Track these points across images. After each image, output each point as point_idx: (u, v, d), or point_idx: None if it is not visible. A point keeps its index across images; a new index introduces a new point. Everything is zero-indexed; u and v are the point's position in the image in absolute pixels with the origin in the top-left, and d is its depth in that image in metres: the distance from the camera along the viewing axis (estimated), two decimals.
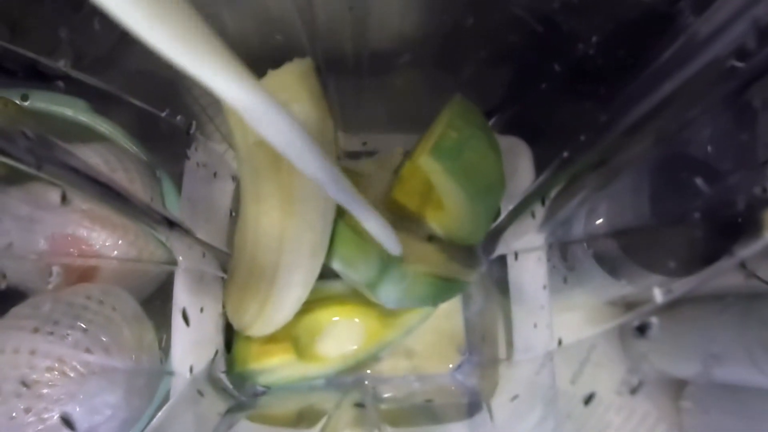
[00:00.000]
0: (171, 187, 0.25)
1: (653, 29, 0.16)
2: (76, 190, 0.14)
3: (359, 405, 0.22)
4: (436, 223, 0.21)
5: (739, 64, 0.12)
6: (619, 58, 0.18)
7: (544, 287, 0.22)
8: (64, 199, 0.20)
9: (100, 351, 0.20)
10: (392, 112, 0.26)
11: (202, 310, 0.22)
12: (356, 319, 0.24)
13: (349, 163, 0.25)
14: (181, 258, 0.21)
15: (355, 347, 0.24)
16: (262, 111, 0.09)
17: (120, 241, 0.23)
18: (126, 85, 0.20)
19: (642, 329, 0.16)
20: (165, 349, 0.22)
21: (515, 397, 0.21)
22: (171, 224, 0.19)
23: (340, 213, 0.20)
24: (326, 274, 0.20)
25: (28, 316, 0.20)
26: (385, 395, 0.25)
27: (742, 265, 0.20)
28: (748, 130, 0.20)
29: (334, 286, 0.24)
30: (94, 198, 0.15)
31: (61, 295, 0.21)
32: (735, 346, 0.22)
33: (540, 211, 0.21)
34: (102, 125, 0.25)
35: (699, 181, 0.20)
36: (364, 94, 0.25)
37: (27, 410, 0.18)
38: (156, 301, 0.24)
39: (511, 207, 0.23)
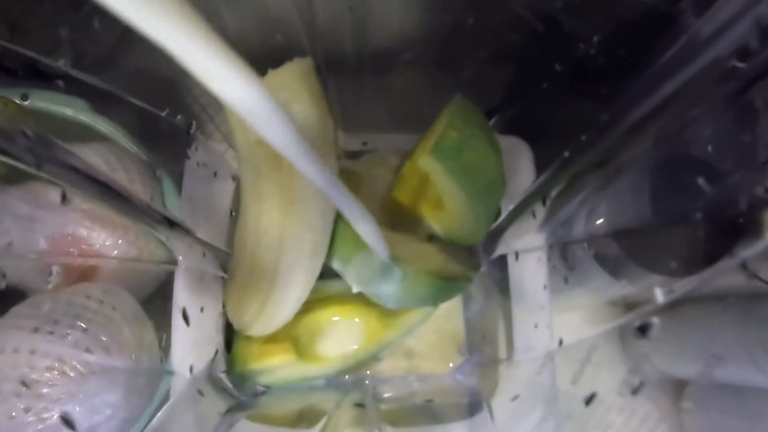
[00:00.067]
0: (171, 186, 0.25)
1: (654, 29, 0.16)
2: (76, 190, 0.14)
3: (359, 405, 0.22)
4: (436, 223, 0.21)
5: (740, 65, 0.12)
6: (620, 58, 0.18)
7: (545, 287, 0.22)
8: (64, 198, 0.20)
9: (100, 350, 0.20)
10: (392, 111, 0.26)
11: (202, 309, 0.22)
12: (356, 319, 0.24)
13: (349, 162, 0.25)
14: (181, 257, 0.21)
15: (356, 347, 0.24)
16: (257, 108, 0.09)
17: (120, 241, 0.23)
18: (126, 85, 0.20)
19: (643, 329, 0.16)
20: (165, 348, 0.22)
21: (516, 397, 0.21)
22: (171, 224, 0.19)
23: (341, 213, 0.20)
24: (326, 273, 0.20)
25: (27, 315, 0.20)
26: (386, 395, 0.25)
27: (743, 266, 0.20)
28: (749, 131, 0.20)
29: (334, 286, 0.24)
30: (94, 197, 0.15)
31: (61, 295, 0.21)
32: (736, 346, 0.22)
33: (541, 210, 0.21)
34: (102, 125, 0.25)
35: (700, 181, 0.20)
36: (364, 94, 0.25)
37: (27, 410, 0.18)
38: (156, 301, 0.24)
39: (511, 207, 0.23)
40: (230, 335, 0.24)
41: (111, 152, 0.24)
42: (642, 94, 0.15)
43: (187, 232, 0.20)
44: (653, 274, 0.22)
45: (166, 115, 0.21)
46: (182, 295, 0.21)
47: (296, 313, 0.21)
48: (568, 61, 0.19)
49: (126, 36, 0.25)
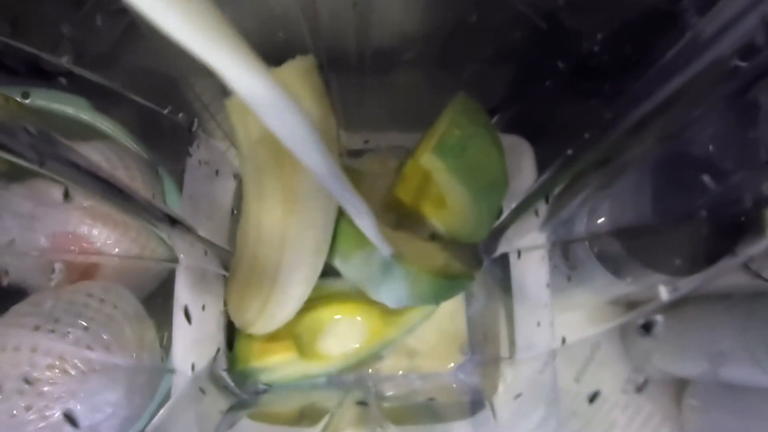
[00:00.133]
0: (172, 185, 0.25)
1: (657, 27, 0.16)
2: (78, 187, 0.14)
3: (362, 403, 0.22)
4: (438, 221, 0.21)
5: (742, 64, 0.12)
6: (623, 56, 0.18)
7: (547, 285, 0.22)
8: (66, 195, 0.19)
9: (101, 349, 0.20)
10: (394, 110, 0.26)
11: (204, 307, 0.22)
12: (358, 318, 0.24)
13: (351, 161, 0.25)
14: (182, 256, 0.21)
15: (357, 345, 0.23)
16: (268, 100, 0.09)
17: (121, 239, 0.23)
18: (127, 83, 0.20)
19: (647, 327, 0.16)
20: (166, 347, 0.22)
21: (518, 396, 0.21)
22: (173, 221, 0.19)
23: (343, 211, 0.20)
24: (328, 272, 0.20)
25: (29, 313, 0.20)
26: (388, 393, 0.25)
27: (746, 265, 0.20)
28: (752, 130, 0.20)
29: (336, 284, 0.24)
30: (96, 195, 0.15)
31: (62, 293, 0.21)
32: (738, 345, 0.22)
33: (544, 209, 0.21)
34: (103, 123, 0.25)
35: (702, 180, 0.20)
36: (366, 92, 0.25)
37: (28, 408, 0.18)
38: (158, 299, 0.24)
39: (513, 206, 0.23)
40: (232, 333, 0.24)
41: (112, 150, 0.24)
42: (644, 92, 0.15)
43: (188, 230, 0.20)
44: (655, 273, 0.22)
45: (167, 112, 0.21)
46: (184, 293, 0.21)
47: (298, 312, 0.21)
48: (571, 59, 0.19)
49: (127, 34, 0.25)
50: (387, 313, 0.24)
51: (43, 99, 0.24)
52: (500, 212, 0.23)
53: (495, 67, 0.24)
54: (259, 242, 0.20)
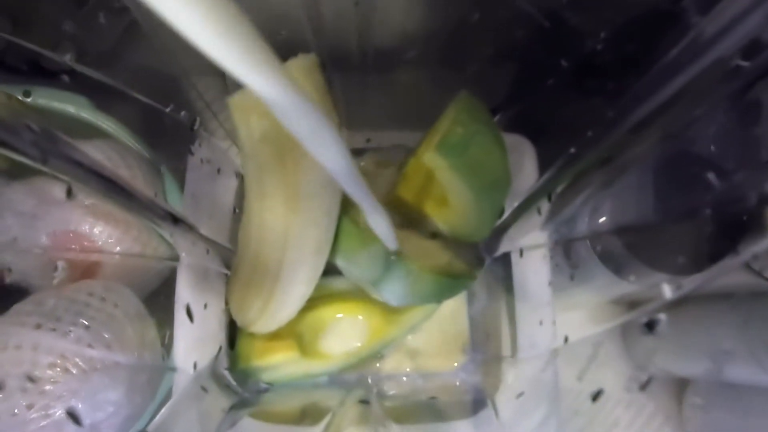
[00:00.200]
0: (173, 183, 0.25)
1: (659, 26, 0.16)
2: (81, 185, 0.14)
3: (364, 402, 0.22)
4: (440, 219, 0.21)
5: (744, 63, 0.12)
6: (625, 55, 0.18)
7: (549, 284, 0.22)
8: (69, 193, 0.19)
9: (103, 348, 0.20)
10: (396, 109, 0.26)
11: (205, 306, 0.22)
12: (360, 317, 0.24)
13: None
14: (184, 254, 0.21)
15: (359, 344, 0.23)
16: (286, 97, 0.09)
17: (123, 237, 0.23)
18: (129, 81, 0.20)
19: (650, 326, 0.16)
20: (168, 346, 0.22)
21: (520, 395, 0.21)
22: (175, 220, 0.19)
23: (345, 210, 0.20)
24: (330, 271, 0.20)
25: (30, 312, 0.20)
26: (389, 392, 0.25)
27: (747, 264, 0.20)
28: (754, 129, 0.20)
29: (337, 283, 0.24)
30: (99, 192, 0.15)
31: (64, 292, 0.21)
32: (739, 344, 0.22)
33: (546, 207, 0.21)
34: (104, 122, 0.25)
35: (704, 179, 0.20)
36: (368, 91, 0.25)
37: (29, 407, 0.18)
38: (159, 298, 0.24)
39: (515, 204, 0.23)
40: (233, 332, 0.24)
41: (113, 149, 0.24)
42: (646, 91, 0.15)
43: (190, 228, 0.20)
44: (656, 272, 0.22)
45: (169, 111, 0.21)
46: (186, 292, 0.21)
47: (300, 310, 0.21)
48: (574, 57, 0.19)
49: (129, 32, 0.25)
50: (388, 311, 0.24)
51: (44, 98, 0.24)
52: (502, 211, 0.23)
53: (497, 66, 0.24)
54: (261, 241, 0.20)
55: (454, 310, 0.26)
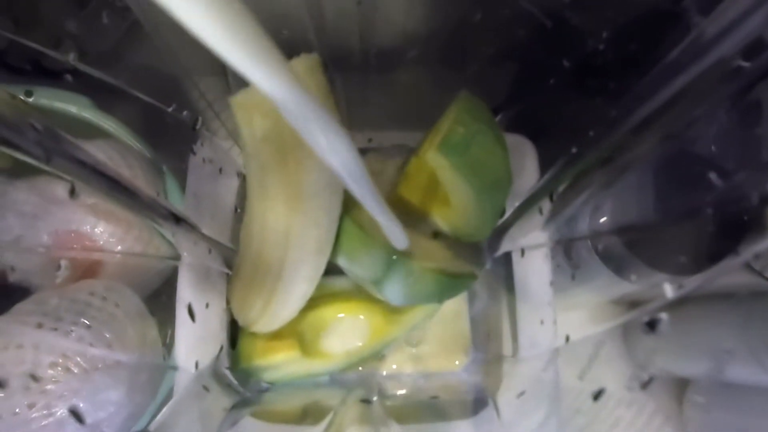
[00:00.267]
0: (175, 183, 0.25)
1: (661, 27, 0.16)
2: (84, 184, 0.14)
3: (365, 401, 0.22)
4: (442, 219, 0.21)
5: (745, 64, 0.12)
6: (627, 55, 0.18)
7: (550, 284, 0.22)
8: (72, 192, 0.19)
9: (104, 347, 0.20)
10: (398, 108, 0.26)
11: (207, 305, 0.22)
12: (361, 316, 0.24)
13: None
14: (185, 254, 0.21)
15: (360, 344, 0.24)
16: (293, 95, 0.09)
17: (125, 237, 0.23)
18: (131, 81, 0.20)
19: (651, 325, 0.16)
20: (169, 345, 0.22)
21: (521, 394, 0.21)
22: (177, 219, 0.19)
23: (346, 209, 0.20)
24: (331, 270, 0.20)
25: (31, 312, 0.20)
26: (391, 392, 0.25)
27: (748, 264, 0.20)
28: (755, 130, 0.20)
29: (339, 283, 0.24)
30: (102, 192, 0.15)
31: (65, 292, 0.21)
32: (740, 345, 0.22)
33: (548, 206, 0.21)
34: (106, 122, 0.25)
35: (705, 179, 0.20)
36: (370, 91, 0.25)
37: (31, 406, 0.18)
38: (161, 297, 0.24)
39: (516, 204, 0.23)
40: (235, 331, 0.24)
41: (114, 149, 0.24)
42: (648, 91, 0.15)
43: (192, 228, 0.20)
44: (657, 272, 0.22)
45: (171, 110, 0.21)
46: (187, 291, 0.21)
47: (301, 310, 0.21)
48: (575, 57, 0.20)
49: (131, 32, 0.25)
50: (390, 311, 0.24)
51: (46, 98, 0.24)
52: (503, 211, 0.23)
53: (498, 66, 0.24)
54: (263, 240, 0.20)
55: (455, 309, 0.26)
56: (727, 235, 0.20)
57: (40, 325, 0.19)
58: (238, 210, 0.24)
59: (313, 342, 0.23)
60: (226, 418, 0.21)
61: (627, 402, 0.26)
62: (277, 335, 0.22)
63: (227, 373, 0.23)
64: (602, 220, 0.23)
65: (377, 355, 0.25)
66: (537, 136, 0.24)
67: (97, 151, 0.23)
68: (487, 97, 0.22)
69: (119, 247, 0.22)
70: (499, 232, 0.23)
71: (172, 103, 0.21)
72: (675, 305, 0.16)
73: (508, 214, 0.23)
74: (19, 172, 0.22)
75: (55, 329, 0.19)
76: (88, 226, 0.22)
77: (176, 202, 0.24)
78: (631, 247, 0.22)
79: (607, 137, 0.17)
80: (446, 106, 0.21)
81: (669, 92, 0.15)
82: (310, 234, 0.19)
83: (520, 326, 0.22)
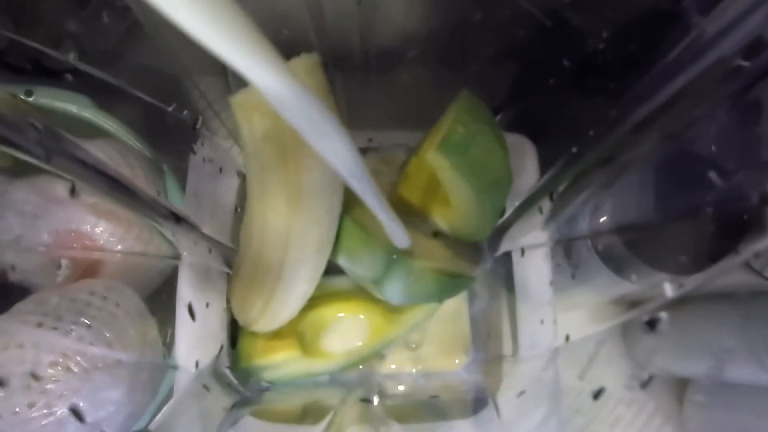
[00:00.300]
0: (175, 183, 0.25)
1: (661, 26, 0.16)
2: (85, 183, 0.14)
3: (365, 400, 0.22)
4: (442, 219, 0.21)
5: (745, 63, 0.12)
6: (627, 54, 0.18)
7: (551, 283, 0.22)
8: (73, 191, 0.20)
9: (104, 346, 0.20)
10: (398, 108, 0.26)
11: (207, 305, 0.22)
12: (361, 315, 0.24)
13: None
14: (186, 253, 0.21)
15: (360, 343, 0.24)
16: (292, 95, 0.09)
17: (125, 236, 0.23)
18: (132, 80, 0.20)
19: (652, 324, 0.16)
20: (169, 344, 0.22)
21: (521, 393, 0.21)
22: (177, 219, 0.19)
23: (347, 209, 0.20)
24: (331, 270, 0.20)
25: (32, 311, 0.20)
26: (391, 391, 0.25)
27: (747, 264, 0.20)
28: (754, 129, 0.20)
29: (339, 282, 0.24)
30: (102, 191, 0.15)
31: (65, 291, 0.21)
32: (739, 344, 0.22)
33: (548, 206, 0.21)
34: (106, 121, 0.25)
35: (705, 178, 0.20)
36: (370, 91, 0.25)
37: (31, 405, 0.18)
38: (161, 296, 0.24)
39: (516, 204, 0.23)
40: (235, 331, 0.24)
41: (114, 149, 0.24)
42: (648, 91, 0.15)
43: (192, 227, 0.20)
44: (657, 272, 0.22)
45: (172, 110, 0.21)
46: (187, 291, 0.21)
47: (301, 309, 0.21)
48: (575, 57, 0.20)
49: (131, 32, 0.25)
50: (390, 311, 0.24)
51: (46, 97, 0.24)
52: (504, 210, 0.23)
53: (498, 66, 0.24)
54: (263, 240, 0.20)
55: (455, 309, 0.26)
56: (728, 235, 0.20)
57: (40, 325, 0.19)
58: (239, 209, 0.24)
59: (313, 341, 0.23)
60: (227, 417, 0.21)
61: (627, 401, 0.26)
62: (277, 335, 0.22)
63: (227, 372, 0.23)
64: (602, 219, 0.23)
65: (377, 355, 0.25)
66: (537, 135, 0.24)
67: (97, 151, 0.23)
68: (487, 97, 0.22)
69: (119, 247, 0.23)
70: (499, 232, 0.23)
71: (173, 103, 0.21)
72: (675, 305, 0.16)
73: (508, 213, 0.23)
74: (20, 171, 0.22)
75: (56, 328, 0.19)
76: (88, 226, 0.22)
77: (176, 201, 0.24)
78: (631, 247, 0.22)
79: (607, 137, 0.17)
80: (446, 106, 0.21)
81: (669, 92, 0.15)
82: (311, 233, 0.19)
83: (520, 326, 0.22)
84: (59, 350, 0.19)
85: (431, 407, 0.23)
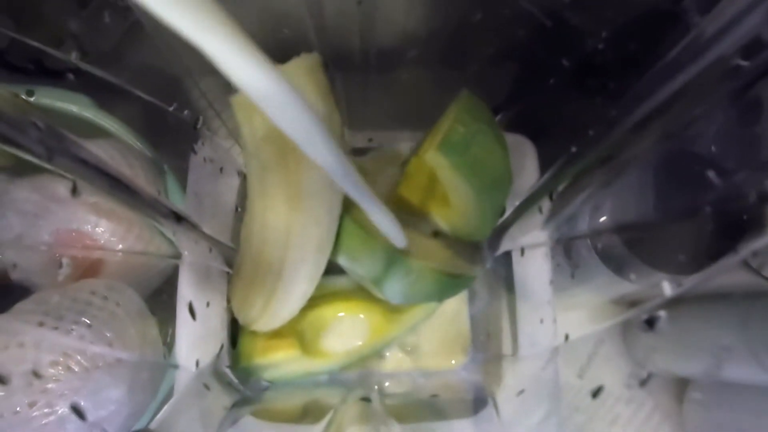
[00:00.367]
0: (175, 182, 0.25)
1: (661, 25, 0.16)
2: (86, 182, 0.14)
3: (365, 399, 0.22)
4: (442, 218, 0.21)
5: (744, 63, 0.12)
6: (627, 54, 0.18)
7: (550, 282, 0.22)
8: (74, 191, 0.20)
9: (105, 346, 0.20)
10: (398, 108, 0.26)
11: (208, 304, 0.22)
12: (361, 315, 0.24)
13: (354, 159, 0.25)
14: (186, 252, 0.21)
15: (360, 343, 0.24)
16: (275, 96, 0.09)
17: (126, 236, 0.23)
18: (132, 80, 0.20)
19: (650, 322, 0.16)
20: (170, 343, 0.22)
21: (521, 392, 0.21)
22: (178, 218, 0.19)
23: (347, 208, 0.20)
24: (331, 269, 0.20)
25: (32, 311, 0.20)
26: (390, 390, 0.25)
27: (746, 263, 0.20)
28: (754, 128, 0.20)
29: (339, 282, 0.24)
30: (103, 190, 0.15)
31: (66, 291, 0.21)
32: (738, 344, 0.22)
33: (548, 205, 0.21)
34: (106, 121, 0.25)
35: (704, 178, 0.20)
36: (370, 91, 0.25)
37: (32, 404, 0.18)
38: (162, 296, 0.24)
39: (516, 204, 0.23)
40: (235, 330, 0.24)
41: (115, 148, 0.24)
42: (647, 90, 0.15)
43: (193, 226, 0.20)
44: (657, 272, 0.22)
45: (173, 110, 0.21)
46: (188, 290, 0.21)
47: (301, 309, 0.21)
48: (575, 57, 0.20)
49: (132, 31, 0.25)
50: (389, 310, 0.24)
51: (47, 97, 0.24)
52: (503, 210, 0.23)
53: (498, 66, 0.24)
54: (263, 240, 0.20)
55: (455, 308, 0.26)
56: (727, 234, 0.20)
57: (41, 324, 0.19)
58: (239, 209, 0.24)
59: (313, 341, 0.23)
60: (227, 416, 0.21)
61: (625, 399, 0.26)
62: (277, 334, 0.22)
63: (228, 371, 0.23)
64: (602, 219, 0.23)
65: (377, 354, 0.25)
66: (537, 135, 0.24)
67: (98, 151, 0.23)
68: (487, 97, 0.22)
69: (120, 246, 0.23)
70: (499, 232, 0.23)
71: (173, 103, 0.21)
72: (674, 304, 0.16)
73: (508, 213, 0.23)
74: (21, 170, 0.22)
75: (56, 328, 0.19)
76: (89, 226, 0.22)
77: (177, 201, 0.24)
78: (631, 246, 0.22)
79: (607, 136, 0.17)
80: (446, 106, 0.21)
81: (668, 91, 0.15)
82: (311, 233, 0.19)
83: (520, 325, 0.22)
84: (60, 349, 0.19)
85: (431, 406, 0.23)
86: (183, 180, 0.23)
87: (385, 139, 0.26)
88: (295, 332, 0.23)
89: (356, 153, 0.26)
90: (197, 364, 0.21)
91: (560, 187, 0.20)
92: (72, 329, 0.20)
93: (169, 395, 0.22)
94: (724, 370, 0.23)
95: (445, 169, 0.20)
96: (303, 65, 0.18)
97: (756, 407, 0.24)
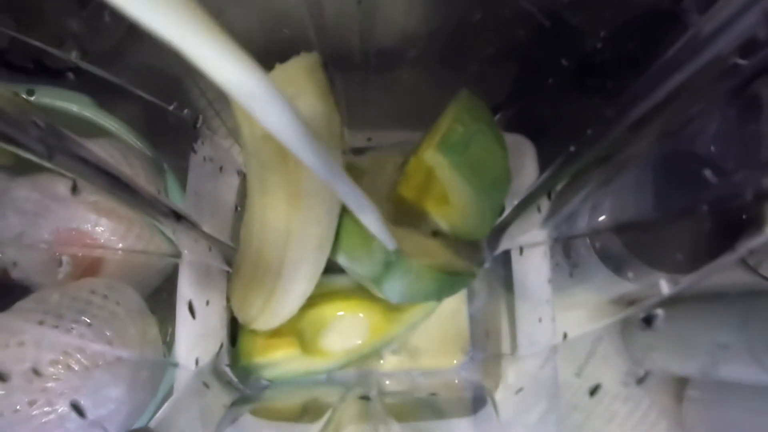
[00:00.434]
0: (175, 182, 0.25)
1: (658, 25, 0.16)
2: (86, 181, 0.14)
3: (364, 398, 0.23)
4: (441, 218, 0.21)
5: (742, 62, 0.12)
6: (625, 54, 0.18)
7: (549, 281, 0.22)
8: (74, 189, 0.20)
9: (104, 344, 0.20)
10: (397, 108, 0.26)
11: (207, 303, 0.22)
12: (360, 314, 0.24)
13: (354, 158, 0.25)
14: (186, 251, 0.21)
15: (359, 342, 0.24)
16: (258, 96, 0.09)
17: (126, 235, 0.23)
18: (132, 80, 0.20)
19: (648, 320, 0.16)
20: (169, 342, 0.22)
21: (520, 391, 0.21)
22: (178, 217, 0.19)
23: (346, 208, 0.20)
24: (331, 268, 0.20)
25: (32, 309, 0.20)
26: (389, 389, 0.25)
27: (744, 262, 0.20)
28: (752, 127, 0.20)
29: (339, 281, 0.24)
30: (104, 189, 0.15)
31: (66, 290, 0.21)
32: (737, 343, 0.22)
33: (546, 205, 0.21)
34: (106, 121, 0.25)
35: (703, 176, 0.20)
36: (369, 90, 0.25)
37: (32, 403, 0.18)
38: (162, 295, 0.24)
39: (515, 203, 0.23)
40: (235, 329, 0.24)
41: (115, 148, 0.24)
42: (646, 90, 0.15)
43: (193, 225, 0.20)
44: (656, 271, 0.22)
45: (173, 109, 0.21)
46: (188, 289, 0.21)
47: (301, 308, 0.21)
48: (574, 56, 0.20)
49: (132, 32, 0.25)
50: (389, 309, 0.24)
51: (47, 97, 0.24)
52: (502, 209, 0.23)
53: (497, 66, 0.24)
54: (263, 239, 0.20)
55: (454, 308, 0.26)
56: (726, 233, 0.20)
57: (41, 323, 0.19)
58: (239, 208, 0.24)
59: (312, 340, 0.23)
60: (226, 414, 0.21)
61: (623, 397, 0.27)
62: (277, 333, 0.22)
63: (227, 370, 0.23)
64: (600, 218, 0.23)
65: (377, 353, 0.25)
66: (536, 134, 0.24)
67: (98, 150, 0.23)
68: (486, 97, 0.22)
69: (120, 245, 0.23)
70: (498, 231, 0.24)
71: (173, 102, 0.21)
72: (672, 303, 0.16)
73: (507, 212, 0.23)
74: (21, 169, 0.22)
75: (57, 326, 0.19)
76: (89, 225, 0.22)
77: (177, 200, 0.24)
78: (630, 245, 0.22)
79: (606, 136, 0.17)
80: (446, 105, 0.21)
81: (666, 90, 0.15)
82: (310, 232, 0.19)
83: (519, 324, 0.22)
84: (60, 348, 0.19)
85: (430, 405, 0.23)
86: (183, 179, 0.23)
87: (385, 139, 0.26)
88: (294, 331, 0.23)
89: (355, 152, 0.26)
90: (197, 362, 0.21)
91: (559, 187, 0.20)
92: (72, 328, 0.20)
93: (168, 394, 0.22)
94: (721, 369, 0.23)
95: (444, 169, 0.20)
96: (303, 65, 0.18)
97: (754, 406, 0.24)
